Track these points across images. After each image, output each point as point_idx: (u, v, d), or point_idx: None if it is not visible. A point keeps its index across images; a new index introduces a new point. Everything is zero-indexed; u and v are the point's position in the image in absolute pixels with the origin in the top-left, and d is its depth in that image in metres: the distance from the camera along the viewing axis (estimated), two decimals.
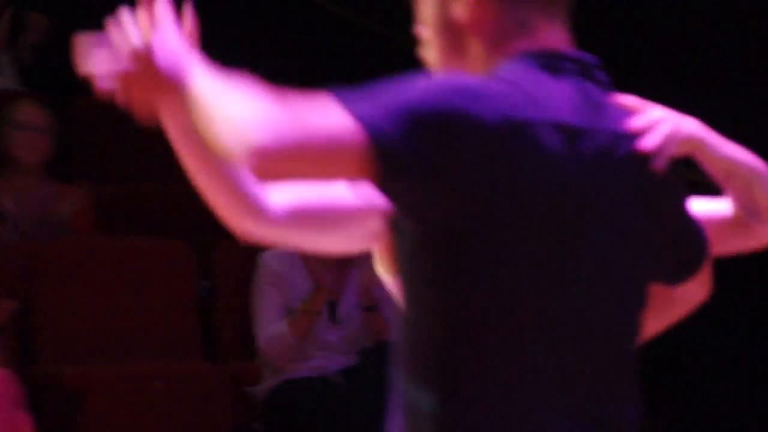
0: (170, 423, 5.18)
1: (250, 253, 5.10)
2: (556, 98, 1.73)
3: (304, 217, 1.97)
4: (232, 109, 1.64)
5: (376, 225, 1.96)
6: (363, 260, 4.78)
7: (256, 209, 1.91)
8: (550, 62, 1.77)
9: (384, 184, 1.63)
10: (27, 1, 6.89)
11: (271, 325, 4.88)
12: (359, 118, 1.61)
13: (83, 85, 5.54)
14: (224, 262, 5.58)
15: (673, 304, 2.02)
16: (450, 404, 1.72)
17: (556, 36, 1.80)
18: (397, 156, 1.60)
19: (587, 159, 1.72)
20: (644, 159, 1.77)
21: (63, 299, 5.40)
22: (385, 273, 2.06)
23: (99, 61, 1.79)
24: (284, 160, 1.63)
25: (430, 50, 1.84)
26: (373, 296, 4.89)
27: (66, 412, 5.20)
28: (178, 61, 1.74)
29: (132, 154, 6.37)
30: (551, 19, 1.80)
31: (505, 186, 1.66)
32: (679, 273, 1.89)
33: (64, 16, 6.89)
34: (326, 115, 1.61)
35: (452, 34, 1.81)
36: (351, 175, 1.66)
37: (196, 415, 4.97)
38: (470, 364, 1.72)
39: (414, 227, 1.70)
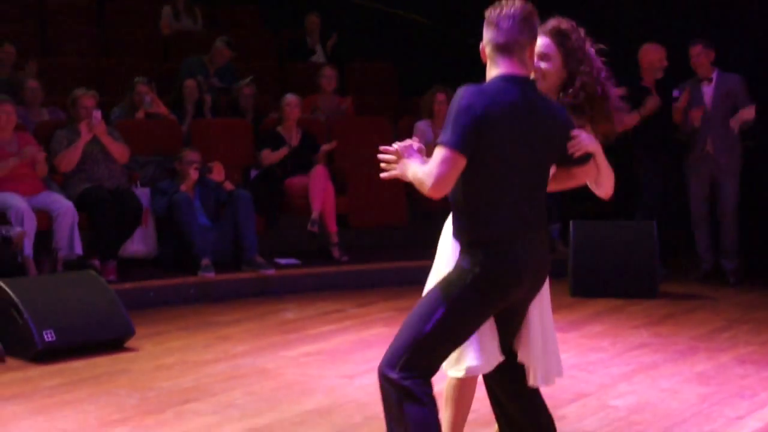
0: None
1: (412, 123, 8.17)
2: (507, 95, 2.92)
3: None
4: (422, 176, 2.86)
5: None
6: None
7: None
8: (505, 79, 2.97)
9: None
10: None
11: None
12: (446, 144, 2.83)
13: (356, 58, 10.75)
14: (405, 127, 8.54)
15: (571, 177, 3.20)
16: (465, 216, 2.97)
17: (511, 66, 2.95)
18: (465, 146, 2.82)
19: (521, 115, 2.90)
20: (550, 121, 2.92)
21: (346, 146, 8.19)
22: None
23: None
24: (444, 184, 2.84)
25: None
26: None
27: None
28: (407, 163, 3.00)
29: (381, 92, 9.45)
30: (509, 57, 2.97)
31: (490, 136, 2.88)
32: (565, 161, 3.04)
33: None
34: (439, 155, 2.83)
35: (486, 58, 3.04)
36: (461, 165, 2.85)
37: None
38: (473, 196, 2.94)
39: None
